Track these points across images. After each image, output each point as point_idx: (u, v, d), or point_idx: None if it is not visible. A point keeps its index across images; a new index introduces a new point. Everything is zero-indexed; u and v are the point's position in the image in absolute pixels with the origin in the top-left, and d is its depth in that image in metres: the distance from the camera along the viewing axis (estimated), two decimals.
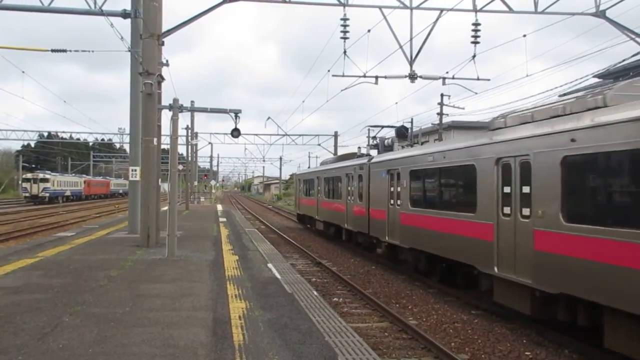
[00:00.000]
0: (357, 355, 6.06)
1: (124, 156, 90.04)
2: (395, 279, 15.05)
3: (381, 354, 8.15)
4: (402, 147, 17.93)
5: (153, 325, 6.78)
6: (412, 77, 17.71)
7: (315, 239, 25.70)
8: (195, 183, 55.34)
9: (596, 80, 24.25)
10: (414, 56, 17.57)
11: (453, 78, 18.72)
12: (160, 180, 15.97)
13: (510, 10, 17.08)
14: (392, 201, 15.85)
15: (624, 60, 16.96)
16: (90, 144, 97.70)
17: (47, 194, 61.13)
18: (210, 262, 12.26)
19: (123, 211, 35.71)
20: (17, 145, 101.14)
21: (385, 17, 16.95)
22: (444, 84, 18.89)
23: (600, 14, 17.11)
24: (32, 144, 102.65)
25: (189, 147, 47.84)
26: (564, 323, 8.77)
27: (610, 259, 7.15)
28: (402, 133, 19.20)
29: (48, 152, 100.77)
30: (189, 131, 43.96)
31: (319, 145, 54.13)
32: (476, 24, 17.22)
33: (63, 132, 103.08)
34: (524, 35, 17.89)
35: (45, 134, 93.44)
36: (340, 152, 46.81)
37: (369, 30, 18.25)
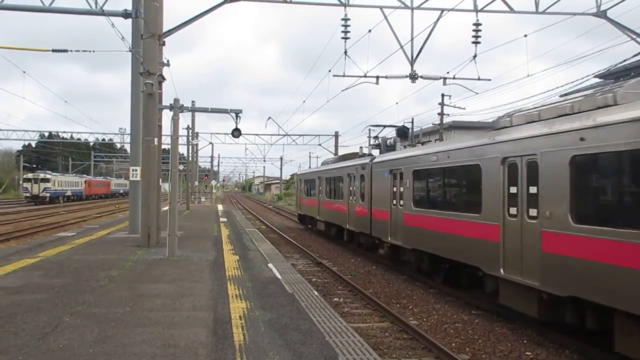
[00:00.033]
0: (357, 356, 6.06)
1: (125, 156, 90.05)
2: (395, 279, 15.05)
3: (382, 354, 8.14)
4: (404, 146, 17.83)
5: (153, 325, 6.77)
6: (413, 77, 17.71)
7: (316, 239, 25.70)
8: (196, 183, 55.37)
9: (597, 80, 24.26)
10: (414, 56, 17.57)
11: (454, 78, 18.72)
12: (161, 180, 15.96)
13: (511, 11, 17.07)
14: (394, 201, 15.72)
15: (624, 61, 16.95)
16: (91, 144, 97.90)
17: (48, 194, 61.16)
18: (210, 262, 12.26)
19: (124, 211, 35.73)
20: (18, 145, 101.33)
21: (386, 17, 16.96)
22: (444, 84, 18.88)
23: (601, 14, 17.09)
24: (33, 144, 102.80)
25: (190, 147, 47.85)
26: (564, 324, 8.68)
27: (622, 261, 6.97)
28: (403, 133, 19.17)
29: (49, 152, 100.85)
30: (190, 131, 43.97)
31: (320, 145, 54.21)
32: (477, 24, 17.20)
33: (64, 132, 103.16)
34: (525, 35, 17.92)
35: (46, 134, 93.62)
36: (341, 152, 46.86)
37: (369, 30, 18.26)
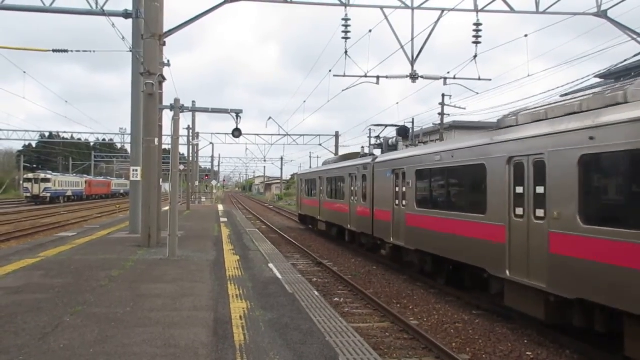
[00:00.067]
0: (358, 356, 6.06)
1: (125, 156, 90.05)
2: (396, 279, 15.04)
3: (382, 354, 8.14)
4: (406, 146, 17.75)
5: (154, 325, 6.78)
6: (414, 77, 17.70)
7: (316, 239, 25.70)
8: (197, 183, 55.36)
9: (597, 80, 24.25)
10: (415, 56, 17.57)
11: (454, 78, 18.71)
12: (161, 180, 15.97)
13: (512, 11, 17.06)
14: (397, 202, 15.58)
15: (625, 61, 16.94)
16: (92, 144, 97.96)
17: (49, 194, 61.19)
18: (211, 262, 12.26)
19: (124, 211, 35.75)
20: (18, 146, 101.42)
21: (386, 17, 16.96)
22: (445, 84, 18.87)
23: (602, 14, 17.08)
24: (34, 144, 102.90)
25: (190, 147, 47.86)
26: (571, 326, 8.58)
27: (634, 263, 6.80)
28: (404, 132, 19.16)
29: (49, 152, 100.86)
30: (190, 131, 43.98)
31: (320, 145, 54.20)
32: (477, 24, 17.19)
33: (64, 132, 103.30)
34: (526, 35, 17.92)
35: (47, 134, 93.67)
36: (341, 152, 46.87)
37: (370, 31, 18.26)
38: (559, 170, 8.29)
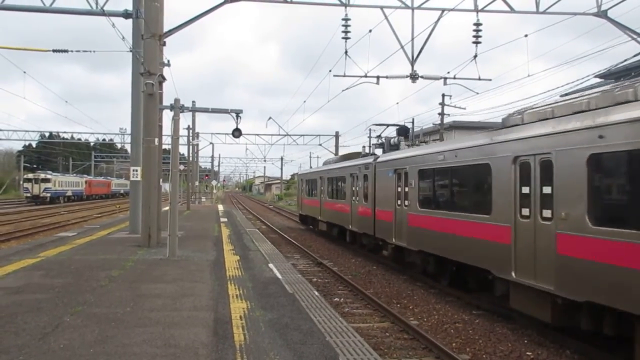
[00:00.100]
0: (358, 356, 6.06)
1: (125, 156, 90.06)
2: (396, 279, 15.04)
3: (382, 354, 8.14)
4: (408, 146, 17.66)
5: (154, 325, 6.78)
6: (414, 77, 17.69)
7: (317, 239, 25.70)
8: (197, 183, 55.37)
9: (597, 80, 24.26)
10: (415, 56, 17.57)
11: (454, 78, 18.71)
12: (161, 180, 15.97)
13: (512, 10, 17.06)
14: (399, 202, 15.41)
15: (625, 60, 16.93)
16: (92, 144, 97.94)
17: (49, 194, 61.20)
18: (211, 262, 12.26)
19: (124, 211, 35.76)
20: (18, 146, 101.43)
21: (386, 17, 16.97)
22: (445, 84, 18.87)
23: (602, 14, 17.09)
24: (34, 144, 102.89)
25: (190, 147, 47.87)
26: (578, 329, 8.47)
27: None
28: (405, 132, 19.15)
29: (49, 152, 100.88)
30: (190, 131, 43.99)
31: (320, 145, 54.23)
32: (477, 24, 17.19)
33: (64, 132, 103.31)
34: (526, 35, 17.91)
35: (47, 134, 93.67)
36: (341, 152, 46.86)
37: (370, 30, 18.26)
38: (567, 170, 8.10)
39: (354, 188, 20.41)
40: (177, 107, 13.69)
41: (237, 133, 14.82)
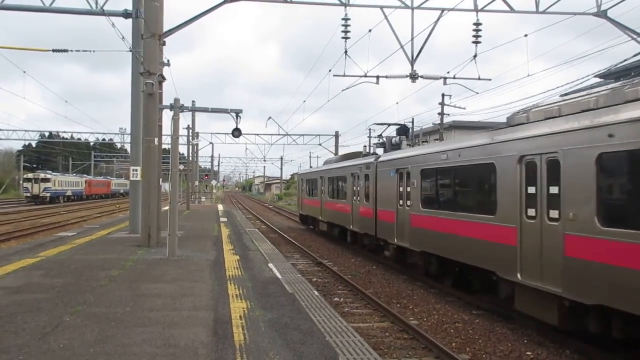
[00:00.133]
0: (358, 356, 6.06)
1: (125, 156, 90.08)
2: (396, 279, 15.03)
3: (382, 354, 8.14)
4: (410, 145, 17.58)
5: (154, 325, 6.78)
6: (414, 77, 17.70)
7: (317, 239, 25.70)
8: (197, 183, 55.37)
9: (597, 80, 24.27)
10: (415, 56, 17.57)
11: (454, 78, 18.72)
12: (161, 180, 15.97)
13: (512, 10, 17.07)
14: (401, 202, 15.28)
15: (625, 61, 16.92)
16: (92, 144, 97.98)
17: (49, 194, 61.21)
18: (211, 262, 12.26)
19: (124, 211, 35.75)
20: (18, 146, 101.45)
21: (386, 17, 16.98)
22: (445, 84, 18.88)
23: (602, 14, 17.09)
24: (34, 144, 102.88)
25: (190, 147, 47.88)
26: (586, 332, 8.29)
27: None
28: (404, 132, 19.15)
29: (49, 152, 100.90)
30: (190, 131, 43.99)
31: (320, 145, 54.29)
32: (477, 24, 17.20)
33: (64, 132, 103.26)
34: (526, 35, 17.91)
35: (47, 134, 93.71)
36: (341, 152, 46.88)
37: (370, 30, 18.27)
38: (575, 170, 7.91)
39: (355, 188, 20.29)
40: (177, 107, 13.69)
41: (237, 133, 14.82)
